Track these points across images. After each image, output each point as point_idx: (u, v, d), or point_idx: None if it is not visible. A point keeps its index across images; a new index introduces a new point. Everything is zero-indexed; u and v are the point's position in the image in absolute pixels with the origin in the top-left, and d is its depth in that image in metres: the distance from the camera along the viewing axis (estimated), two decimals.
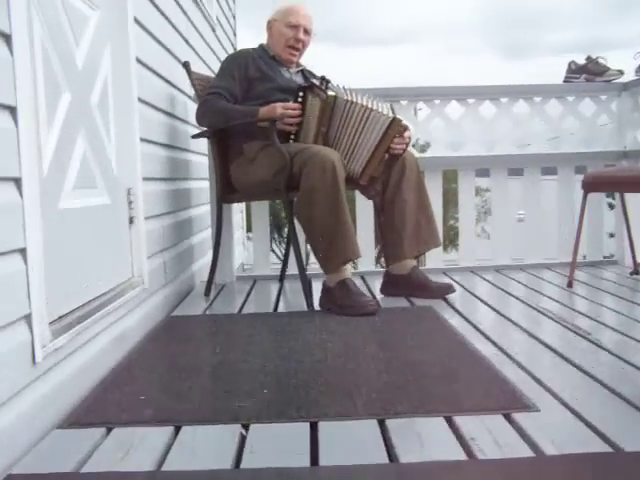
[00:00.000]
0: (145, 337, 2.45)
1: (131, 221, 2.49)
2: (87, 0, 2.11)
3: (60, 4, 1.89)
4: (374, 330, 2.45)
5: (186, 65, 3.21)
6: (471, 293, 3.18)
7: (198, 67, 3.99)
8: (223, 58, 5.30)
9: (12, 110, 1.49)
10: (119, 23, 2.42)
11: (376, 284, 3.48)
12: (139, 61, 2.61)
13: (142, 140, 2.60)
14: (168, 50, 3.22)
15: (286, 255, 3.63)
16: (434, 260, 3.81)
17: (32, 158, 1.58)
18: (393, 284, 3.11)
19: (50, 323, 1.69)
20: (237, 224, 5.66)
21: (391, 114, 2.89)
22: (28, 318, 1.55)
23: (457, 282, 3.49)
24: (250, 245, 5.21)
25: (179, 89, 3.44)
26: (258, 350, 2.21)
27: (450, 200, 11.16)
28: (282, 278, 3.66)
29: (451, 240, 17.28)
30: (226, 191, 3.16)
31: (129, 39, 2.46)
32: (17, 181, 1.51)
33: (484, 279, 3.58)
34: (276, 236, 13.34)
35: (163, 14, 3.13)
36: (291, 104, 2.89)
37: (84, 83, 2.06)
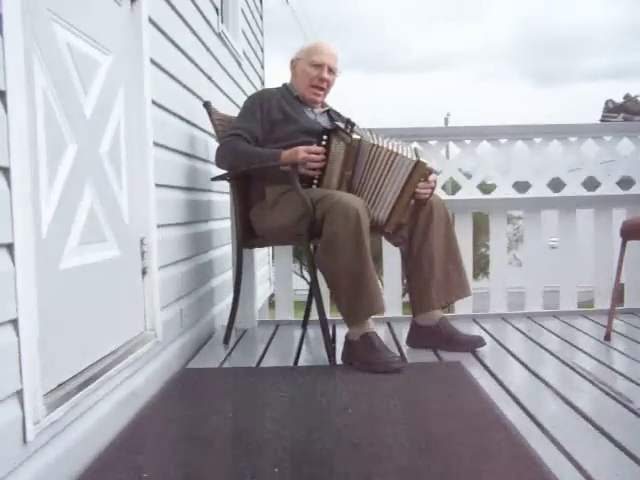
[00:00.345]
0: (157, 394, 2.32)
1: (144, 272, 2.38)
2: (99, 45, 2.03)
3: (67, 52, 1.80)
4: (398, 392, 2.29)
5: (207, 105, 3.12)
6: (501, 345, 3.01)
7: (222, 104, 3.92)
8: (250, 93, 5.27)
9: (5, 171, 1.39)
10: (134, 66, 2.33)
11: (402, 331, 3.35)
12: (155, 103, 2.53)
13: (157, 186, 2.50)
14: (189, 89, 3.14)
15: (309, 301, 3.50)
16: (463, 307, 3.65)
17: (27, 221, 1.47)
18: (420, 335, 2.96)
19: (46, 395, 1.57)
20: (262, 260, 5.55)
21: (414, 157, 2.76)
22: (19, 394, 1.44)
23: (487, 331, 3.34)
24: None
25: (200, 128, 3.35)
26: (274, 415, 2.08)
27: (481, 228, 10.97)
28: (305, 324, 3.52)
29: (482, 268, 17.10)
30: (247, 236, 3.05)
31: (144, 82, 2.37)
32: (9, 247, 1.40)
33: (515, 328, 3.41)
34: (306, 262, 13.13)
35: (184, 53, 3.05)
36: (314, 148, 2.77)
37: (93, 132, 1.97)
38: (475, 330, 3.41)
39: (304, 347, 3.10)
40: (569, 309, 3.69)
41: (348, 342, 2.70)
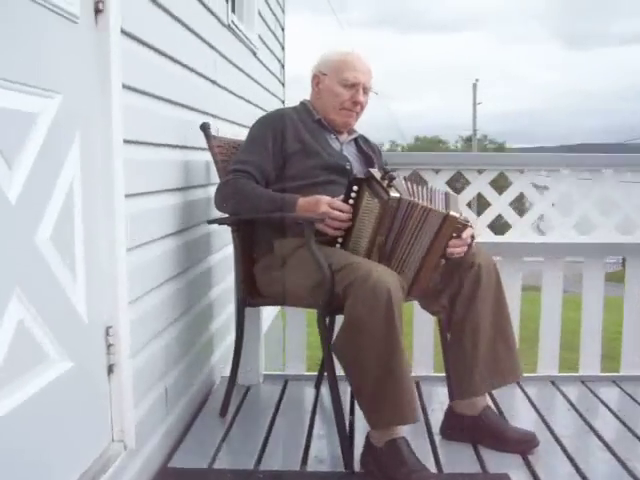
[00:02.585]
0: None
1: (110, 370, 1.84)
2: (36, 89, 1.44)
3: None
4: None
5: (204, 128, 2.53)
6: (549, 429, 2.52)
7: (229, 110, 3.33)
8: (268, 83, 4.66)
9: None
10: (99, 99, 1.74)
11: (432, 395, 2.86)
12: (130, 141, 1.94)
13: (130, 249, 1.94)
14: (182, 105, 2.52)
15: (324, 359, 2.93)
16: None
17: None
18: (458, 426, 2.40)
19: None
20: None
21: (443, 210, 2.18)
22: None
23: (531, 400, 2.83)
24: None
25: (197, 148, 2.72)
26: None
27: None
28: (319, 384, 2.97)
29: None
30: (251, 293, 2.48)
31: (112, 118, 1.77)
32: None
33: (566, 399, 2.85)
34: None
35: (175, 61, 2.42)
36: (340, 204, 2.19)
37: (21, 219, 1.40)
38: (517, 397, 2.87)
39: (316, 428, 2.54)
40: (633, 373, 3.09)
41: (369, 445, 2.15)
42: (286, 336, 3.17)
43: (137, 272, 2.00)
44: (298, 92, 2.75)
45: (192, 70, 2.66)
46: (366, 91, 2.52)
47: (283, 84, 5.68)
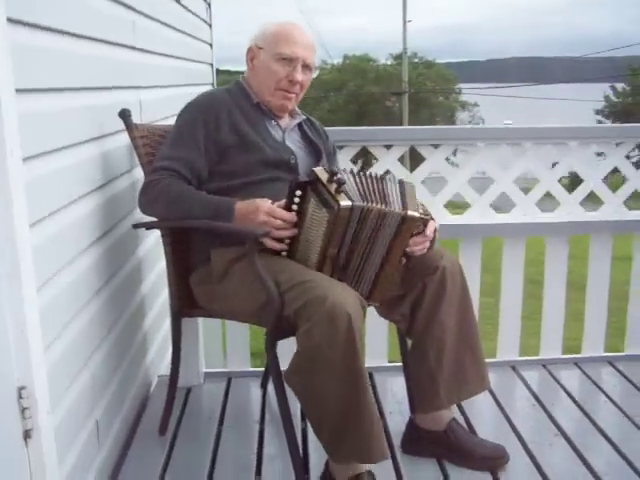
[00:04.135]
0: None
1: (27, 436, 1.55)
2: None
3: None
4: None
5: (124, 116, 2.17)
6: (507, 419, 2.42)
7: (157, 75, 2.95)
8: (195, 30, 4.21)
9: None
10: None
11: (387, 390, 2.68)
12: (29, 158, 1.59)
13: (40, 288, 1.62)
14: (94, 88, 2.13)
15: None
16: None
17: None
18: (421, 441, 2.20)
19: None
20: None
21: (400, 208, 1.91)
22: None
23: (492, 391, 2.63)
24: None
25: (118, 131, 2.34)
26: None
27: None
28: (265, 382, 2.72)
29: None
30: (186, 304, 2.19)
31: (5, 136, 1.42)
32: None
33: (527, 386, 2.72)
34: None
35: (80, 36, 2.00)
36: (281, 212, 1.90)
37: None
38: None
39: (266, 445, 2.31)
40: (593, 354, 2.96)
41: (330, 478, 1.94)
42: (227, 327, 2.90)
43: (50, 311, 1.68)
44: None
45: (104, 41, 2.25)
46: (309, 68, 2.19)
47: (210, 25, 5.19)
